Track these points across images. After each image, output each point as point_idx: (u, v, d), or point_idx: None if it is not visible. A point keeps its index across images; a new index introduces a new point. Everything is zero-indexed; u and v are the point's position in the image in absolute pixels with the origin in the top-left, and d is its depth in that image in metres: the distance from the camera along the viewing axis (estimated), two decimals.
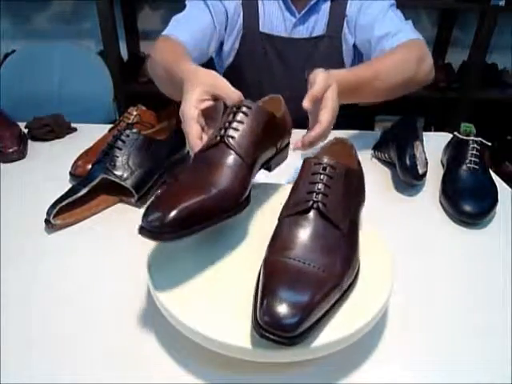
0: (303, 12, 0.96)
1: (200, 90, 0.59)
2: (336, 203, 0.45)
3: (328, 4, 0.97)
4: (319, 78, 0.64)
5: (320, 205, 0.44)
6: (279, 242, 0.44)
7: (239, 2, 0.96)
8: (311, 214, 0.44)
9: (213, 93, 0.59)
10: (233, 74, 1.07)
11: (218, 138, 0.49)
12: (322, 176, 0.45)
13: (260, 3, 0.97)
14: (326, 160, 0.47)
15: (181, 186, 0.46)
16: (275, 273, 0.40)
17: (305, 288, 0.38)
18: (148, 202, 0.44)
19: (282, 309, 0.36)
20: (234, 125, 0.50)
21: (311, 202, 0.44)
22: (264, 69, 1.03)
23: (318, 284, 0.39)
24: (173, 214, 0.40)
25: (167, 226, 0.40)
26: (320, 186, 0.45)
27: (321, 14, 0.98)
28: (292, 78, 1.02)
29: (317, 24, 0.98)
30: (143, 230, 0.41)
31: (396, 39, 0.87)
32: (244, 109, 0.51)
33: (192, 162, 0.51)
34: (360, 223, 0.50)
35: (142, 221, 0.42)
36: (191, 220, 0.42)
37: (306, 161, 0.49)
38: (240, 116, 0.51)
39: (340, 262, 0.42)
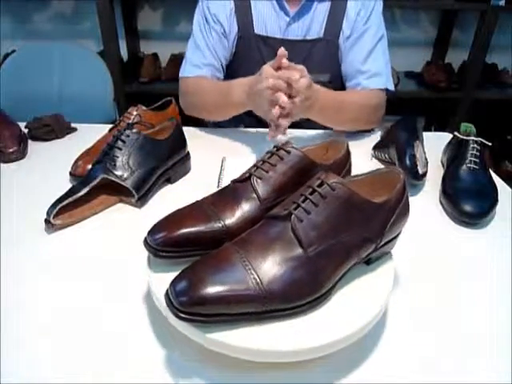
0: (296, 10, 0.96)
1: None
2: (316, 224, 0.41)
3: (325, 6, 0.97)
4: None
5: (294, 218, 0.41)
6: (246, 235, 0.44)
7: (232, 8, 0.97)
8: (287, 223, 0.42)
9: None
10: (231, 77, 1.07)
11: (248, 174, 0.50)
12: (313, 192, 0.42)
13: (253, 5, 0.97)
14: (328, 179, 0.43)
15: (193, 210, 0.49)
16: (214, 255, 0.42)
17: (219, 280, 0.38)
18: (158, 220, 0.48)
19: (184, 282, 0.39)
20: (266, 166, 0.50)
21: (287, 212, 0.42)
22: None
23: (237, 286, 0.38)
24: (173, 236, 0.45)
25: (167, 246, 0.45)
26: (306, 201, 0.42)
27: (316, 16, 0.97)
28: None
29: (312, 25, 0.98)
30: (146, 245, 0.46)
31: (372, 82, 0.96)
32: (281, 152, 0.50)
33: (226, 187, 0.53)
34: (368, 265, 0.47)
35: (148, 234, 0.46)
36: (188, 245, 0.45)
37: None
38: (275, 159, 0.50)
39: (280, 282, 0.39)
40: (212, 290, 0.38)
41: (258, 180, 0.50)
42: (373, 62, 0.97)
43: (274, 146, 0.52)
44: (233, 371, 0.43)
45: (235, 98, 0.87)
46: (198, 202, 0.51)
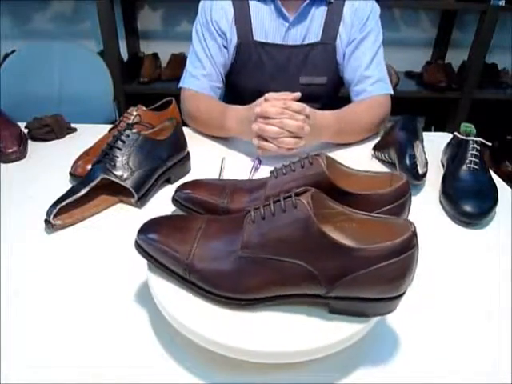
0: (295, 16, 0.97)
1: None
2: (263, 232, 0.40)
3: (322, 11, 0.98)
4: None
5: (248, 217, 0.41)
6: (222, 217, 0.48)
7: (232, 16, 0.98)
8: (244, 220, 0.42)
9: None
10: (231, 83, 1.08)
11: (273, 170, 0.53)
12: (277, 201, 0.41)
13: (252, 13, 0.98)
14: (300, 195, 0.40)
15: (216, 185, 0.57)
16: (187, 217, 0.49)
17: (169, 234, 0.44)
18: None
19: (151, 223, 0.47)
20: (287, 169, 0.51)
21: (248, 210, 0.42)
22: (260, 76, 1.03)
23: (174, 244, 0.43)
24: (185, 195, 0.56)
25: (184, 201, 0.56)
26: (267, 206, 0.41)
27: (314, 20, 0.98)
28: (288, 84, 1.01)
29: (310, 29, 0.99)
30: (173, 200, 0.57)
31: (377, 88, 0.98)
32: (305, 161, 0.50)
33: (260, 179, 0.57)
34: None
35: (176, 191, 0.57)
36: (198, 207, 0.55)
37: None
38: (297, 165, 0.50)
39: (205, 262, 0.42)
40: (159, 237, 0.44)
41: (273, 179, 0.51)
42: (376, 68, 0.98)
43: (308, 153, 0.51)
44: (233, 371, 0.43)
45: (228, 124, 0.88)
46: (229, 180, 0.59)
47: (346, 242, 0.43)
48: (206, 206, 0.54)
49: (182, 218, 0.49)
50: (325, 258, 0.38)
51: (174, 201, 0.57)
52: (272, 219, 0.40)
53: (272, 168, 0.54)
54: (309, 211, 0.38)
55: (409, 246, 0.38)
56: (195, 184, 0.58)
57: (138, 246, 0.46)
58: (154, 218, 0.48)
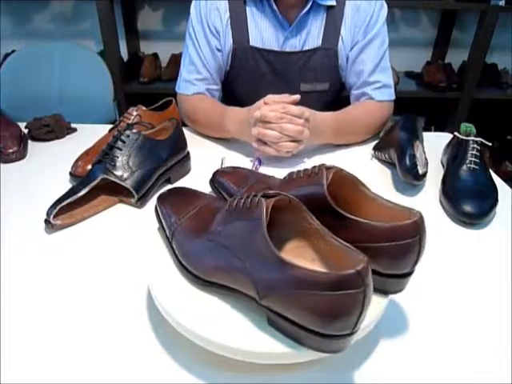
0: (294, 24, 0.94)
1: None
2: (227, 222, 0.42)
3: (322, 15, 0.95)
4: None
5: (225, 205, 0.45)
6: (215, 202, 0.52)
7: (227, 19, 0.95)
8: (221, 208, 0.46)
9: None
10: (228, 88, 1.07)
11: (286, 175, 0.54)
12: (248, 197, 0.42)
13: (249, 18, 0.95)
14: (269, 198, 0.40)
15: (244, 175, 0.62)
16: (197, 192, 0.56)
17: (173, 203, 0.52)
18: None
19: (163, 196, 0.54)
20: (296, 174, 0.52)
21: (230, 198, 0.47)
22: (257, 81, 1.01)
23: (172, 215, 0.50)
24: (219, 178, 0.62)
25: (216, 183, 0.63)
26: (241, 200, 0.42)
27: (313, 27, 0.95)
28: (286, 90, 0.97)
29: (309, 36, 0.96)
30: (210, 181, 0.64)
31: (381, 93, 0.97)
32: (312, 170, 0.48)
33: (275, 177, 0.61)
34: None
35: (213, 174, 0.64)
36: (224, 191, 0.61)
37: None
38: (305, 172, 0.50)
39: (182, 236, 0.47)
40: (166, 204, 0.52)
41: (283, 182, 0.53)
42: (381, 73, 0.96)
43: (322, 164, 0.50)
44: (233, 371, 0.43)
45: (227, 126, 0.88)
46: (259, 174, 0.63)
47: (315, 263, 0.42)
48: (229, 192, 0.60)
49: (192, 193, 0.55)
50: (261, 263, 0.38)
51: (211, 182, 0.63)
52: (238, 212, 0.42)
53: (271, 168, 0.54)
54: (263, 213, 0.38)
55: (347, 284, 0.33)
56: (229, 171, 0.64)
57: (155, 209, 0.53)
58: (174, 188, 0.57)
